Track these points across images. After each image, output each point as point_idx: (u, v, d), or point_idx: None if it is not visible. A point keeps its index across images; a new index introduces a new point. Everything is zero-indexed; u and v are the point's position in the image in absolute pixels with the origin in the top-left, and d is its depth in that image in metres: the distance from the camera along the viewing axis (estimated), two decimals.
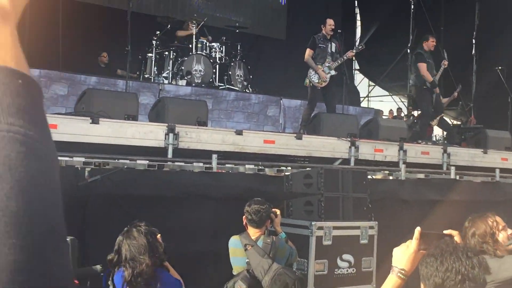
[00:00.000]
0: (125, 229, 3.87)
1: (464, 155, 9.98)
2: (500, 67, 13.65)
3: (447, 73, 12.22)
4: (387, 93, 21.17)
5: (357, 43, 19.53)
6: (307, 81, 10.03)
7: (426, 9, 16.87)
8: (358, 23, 20.75)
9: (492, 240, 3.73)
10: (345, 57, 10.04)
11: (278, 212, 5.45)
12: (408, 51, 17.92)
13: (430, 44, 11.21)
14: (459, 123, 15.81)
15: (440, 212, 7.69)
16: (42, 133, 0.72)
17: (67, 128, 6.44)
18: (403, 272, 2.50)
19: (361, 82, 21.32)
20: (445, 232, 2.71)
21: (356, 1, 20.67)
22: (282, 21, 17.85)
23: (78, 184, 5.71)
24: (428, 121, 11.86)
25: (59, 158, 6.19)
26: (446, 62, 11.47)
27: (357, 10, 20.78)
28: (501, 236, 3.77)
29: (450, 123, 15.31)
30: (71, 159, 6.29)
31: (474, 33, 17.44)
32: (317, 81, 9.93)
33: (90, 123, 6.62)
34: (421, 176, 9.04)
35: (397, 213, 7.77)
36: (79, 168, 6.00)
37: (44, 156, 0.71)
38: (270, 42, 16.91)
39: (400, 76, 18.78)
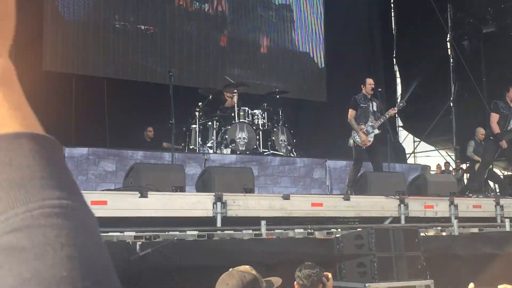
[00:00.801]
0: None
1: None
2: None
3: None
4: (433, 148, 20.96)
5: (398, 100, 19.57)
6: (351, 141, 10.04)
7: (465, 61, 16.84)
8: (398, 80, 20.80)
9: None
10: (387, 115, 10.05)
11: (330, 275, 5.38)
12: (451, 104, 17.91)
13: (510, 94, 10.82)
14: (510, 173, 15.51)
15: (497, 267, 7.48)
16: (76, 197, 0.67)
17: (117, 203, 6.55)
18: None
19: (406, 138, 21.19)
20: (499, 287, 2.65)
21: (394, 59, 20.77)
22: (323, 83, 18.02)
23: (130, 259, 5.76)
24: (485, 170, 11.61)
25: (111, 233, 6.29)
26: None
27: (396, 67, 20.86)
28: None
29: (501, 174, 15.02)
30: (122, 234, 6.38)
31: None
32: (360, 141, 9.94)
33: (139, 197, 6.71)
34: (475, 230, 8.84)
35: (453, 270, 7.58)
36: (130, 243, 6.07)
37: (86, 222, 0.66)
38: (311, 104, 17.04)
39: (444, 130, 18.69)
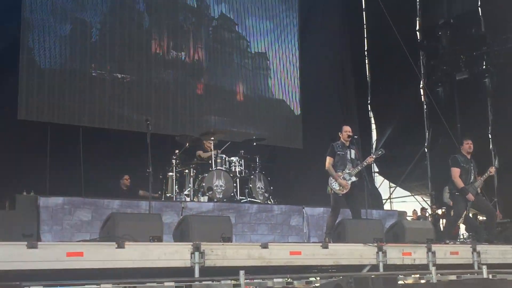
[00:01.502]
0: None
1: (494, 252, 9.75)
2: None
3: None
4: (408, 193, 21.09)
5: (374, 146, 19.75)
6: (329, 188, 10.06)
7: (439, 107, 17.11)
8: (373, 126, 21.02)
9: None
10: (365, 163, 10.10)
11: None
12: (426, 150, 18.11)
13: (465, 147, 10.89)
14: (485, 218, 15.60)
15: None
16: None
17: (93, 254, 6.43)
18: None
19: (382, 184, 21.31)
20: None
21: (369, 106, 21.02)
22: (298, 130, 18.15)
23: None
24: (456, 223, 11.71)
25: (87, 286, 6.17)
26: (492, 169, 11.01)
27: (371, 114, 21.10)
28: None
29: (477, 220, 15.11)
30: (99, 286, 6.25)
31: (489, 127, 17.58)
32: (337, 188, 9.96)
33: (116, 247, 6.61)
34: (453, 277, 8.84)
35: None
36: None
37: None
38: (288, 152, 17.13)
39: (420, 175, 18.86)
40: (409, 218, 16.67)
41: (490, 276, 8.96)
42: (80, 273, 6.31)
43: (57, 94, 14.32)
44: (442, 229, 14.23)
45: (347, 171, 10.01)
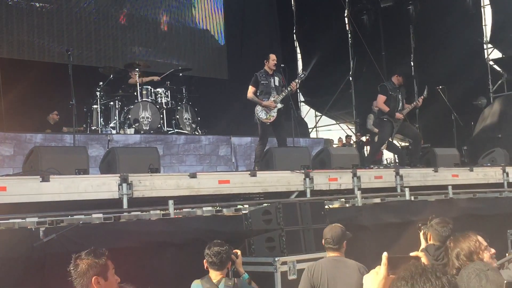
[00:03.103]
0: None
1: (416, 175, 10.12)
2: (440, 87, 13.99)
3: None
4: (334, 121, 21.45)
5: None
6: (256, 117, 10.06)
7: (364, 37, 17.23)
8: (299, 56, 21.06)
9: (479, 260, 3.73)
10: (289, 89, 10.11)
11: (239, 252, 5.42)
12: (350, 79, 18.34)
13: (395, 79, 11.30)
14: (407, 144, 16.10)
15: (400, 235, 7.74)
16: None
17: (17, 189, 6.29)
18: None
19: (308, 113, 21.57)
20: (411, 254, 2.74)
21: (294, 35, 21.00)
22: (223, 60, 18.00)
23: (34, 245, 5.56)
24: (379, 148, 12.04)
25: (12, 220, 6.04)
26: (420, 100, 11.42)
27: (296, 44, 21.11)
28: (485, 256, 3.78)
29: (399, 145, 15.56)
30: (24, 220, 6.14)
31: (412, 55, 17.89)
32: (265, 117, 9.98)
33: (41, 181, 6.48)
34: (378, 200, 9.13)
35: (358, 240, 7.78)
36: (33, 229, 5.85)
37: None
38: (214, 82, 17.01)
39: (345, 104, 19.14)
40: (335, 146, 17.01)
41: (412, 198, 9.30)
42: (4, 208, 6.17)
43: None
44: (366, 155, 14.57)
45: (272, 99, 10.01)
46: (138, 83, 12.11)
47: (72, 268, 3.47)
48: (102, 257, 3.51)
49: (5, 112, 12.01)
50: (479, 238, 3.87)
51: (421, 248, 5.40)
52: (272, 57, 10.14)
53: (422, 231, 5.67)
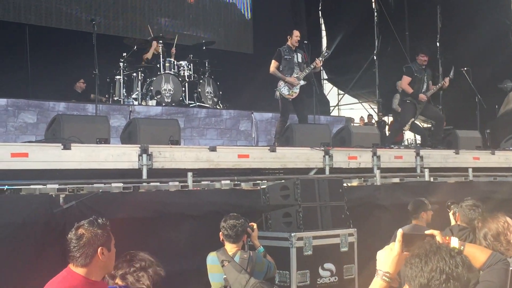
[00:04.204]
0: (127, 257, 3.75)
1: (436, 157, 10.06)
2: (465, 68, 13.81)
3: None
4: (356, 100, 21.32)
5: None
6: (277, 93, 10.05)
7: (389, 16, 17.04)
8: (324, 33, 20.91)
9: (505, 241, 3.77)
10: (312, 66, 10.06)
11: (255, 226, 5.46)
12: (375, 58, 18.16)
13: (420, 59, 11.16)
14: (430, 125, 15.96)
15: None
16: None
17: (39, 155, 6.37)
18: (387, 275, 2.53)
19: (331, 91, 21.45)
20: (426, 232, 2.75)
21: (320, 12, 20.83)
22: (249, 35, 17.95)
23: (54, 212, 5.64)
24: (401, 128, 11.96)
25: (33, 186, 6.13)
26: (447, 80, 11.29)
27: (321, 21, 20.95)
28: None
29: (422, 126, 15.45)
30: (45, 186, 6.22)
31: (438, 36, 17.65)
32: (287, 93, 9.96)
33: (62, 149, 6.54)
34: (396, 180, 9.10)
35: (375, 219, 7.80)
36: (54, 195, 5.93)
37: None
38: (238, 56, 16.97)
39: (368, 83, 18.96)
40: (356, 125, 16.94)
41: (432, 179, 9.26)
42: (25, 173, 6.25)
43: None
44: (387, 135, 14.50)
45: (295, 75, 9.99)
46: (161, 55, 12.14)
47: (74, 238, 3.36)
48: (106, 227, 3.44)
49: (31, 79, 12.10)
50: (508, 219, 3.88)
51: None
52: (296, 33, 10.09)
53: (451, 211, 5.71)
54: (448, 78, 11.31)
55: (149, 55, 12.62)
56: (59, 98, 11.05)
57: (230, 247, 5.10)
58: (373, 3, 18.93)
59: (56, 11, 14.43)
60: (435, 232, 2.77)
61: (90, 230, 3.36)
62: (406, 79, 11.07)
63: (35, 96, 10.91)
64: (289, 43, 10.11)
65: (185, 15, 16.78)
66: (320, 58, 10.28)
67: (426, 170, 9.29)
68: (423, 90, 11.08)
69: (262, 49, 15.70)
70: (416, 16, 17.91)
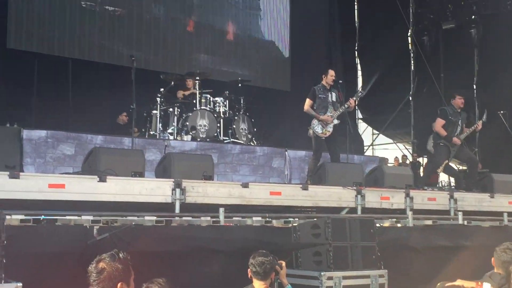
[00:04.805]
0: (144, 286, 3.82)
1: (471, 200, 9.95)
2: (502, 111, 13.72)
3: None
4: (391, 140, 21.25)
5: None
6: (310, 131, 10.10)
7: (425, 57, 17.07)
8: (359, 72, 20.99)
9: None
10: (346, 105, 10.11)
11: (284, 264, 5.47)
12: (410, 98, 18.14)
13: (457, 102, 11.09)
14: (465, 168, 15.81)
15: (450, 259, 7.66)
16: None
17: (75, 187, 6.50)
18: None
19: (365, 130, 21.44)
20: (455, 283, 2.74)
21: (356, 52, 20.94)
22: (287, 72, 18.10)
23: (88, 243, 5.74)
24: (434, 170, 11.86)
25: (68, 217, 6.24)
26: (480, 124, 11.17)
27: (357, 61, 21.04)
28: None
29: (456, 168, 15.31)
30: (80, 217, 6.33)
31: (475, 78, 17.60)
32: (320, 131, 10.01)
33: (98, 181, 6.67)
34: (429, 222, 9.02)
35: (406, 261, 7.74)
36: (88, 227, 6.03)
37: None
38: (273, 94, 17.09)
39: (403, 123, 18.93)
40: (390, 165, 16.86)
41: (465, 223, 9.16)
42: (61, 204, 6.37)
43: (47, 24, 14.09)
44: (421, 176, 14.40)
45: (329, 114, 10.05)
46: (197, 91, 12.32)
47: (94, 272, 3.36)
48: (127, 262, 3.44)
49: (72, 112, 12.34)
50: None
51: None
52: (331, 72, 10.18)
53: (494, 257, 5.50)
54: (481, 121, 11.23)
55: (186, 91, 12.82)
56: (99, 131, 11.25)
57: (258, 284, 5.12)
58: (410, 44, 19.02)
59: (99, 46, 14.79)
60: (466, 284, 2.76)
61: (111, 265, 3.36)
62: (440, 122, 11.02)
63: (75, 128, 11.14)
64: (324, 82, 10.20)
65: (224, 51, 17.03)
66: (354, 98, 10.34)
67: (460, 213, 9.20)
68: (456, 133, 11.02)
69: (298, 87, 15.83)
70: (452, 58, 17.92)
